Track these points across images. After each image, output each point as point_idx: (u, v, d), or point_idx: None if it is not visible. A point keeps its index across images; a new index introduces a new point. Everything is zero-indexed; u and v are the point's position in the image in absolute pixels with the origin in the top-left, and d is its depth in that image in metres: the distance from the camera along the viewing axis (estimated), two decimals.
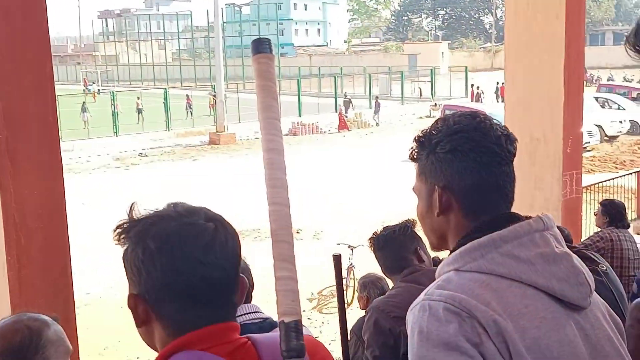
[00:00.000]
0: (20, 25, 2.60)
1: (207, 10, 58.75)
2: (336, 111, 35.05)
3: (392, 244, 2.95)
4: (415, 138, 1.60)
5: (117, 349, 9.41)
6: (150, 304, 1.28)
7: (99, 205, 17.88)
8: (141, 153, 27.44)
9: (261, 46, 1.38)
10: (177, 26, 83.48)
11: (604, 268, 3.17)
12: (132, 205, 1.32)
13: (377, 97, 36.99)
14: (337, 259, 2.88)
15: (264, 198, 1.32)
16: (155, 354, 1.33)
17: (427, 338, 1.36)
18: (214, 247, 1.27)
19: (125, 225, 1.30)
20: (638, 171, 13.12)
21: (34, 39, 2.64)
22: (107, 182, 21.54)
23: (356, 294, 5.88)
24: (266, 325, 1.63)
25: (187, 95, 40.78)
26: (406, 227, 2.96)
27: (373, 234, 3.11)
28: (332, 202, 18.48)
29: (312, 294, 10.73)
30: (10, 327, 1.77)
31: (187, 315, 1.27)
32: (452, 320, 1.35)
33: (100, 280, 11.94)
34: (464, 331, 1.34)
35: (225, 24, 40.66)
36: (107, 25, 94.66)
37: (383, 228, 3.09)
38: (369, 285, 4.80)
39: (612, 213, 5.85)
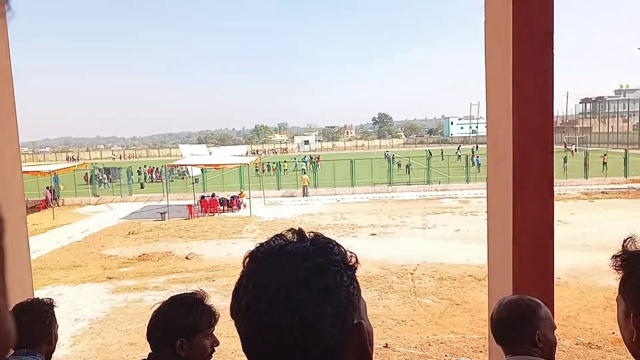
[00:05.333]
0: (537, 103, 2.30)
1: None
2: None
3: None
4: None
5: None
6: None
7: (571, 222, 15.95)
8: (603, 191, 23.61)
9: None
10: (639, 106, 69.30)
11: None
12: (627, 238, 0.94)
13: None
14: None
15: None
16: None
17: None
18: None
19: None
20: None
21: (542, 106, 2.29)
22: (572, 208, 18.99)
23: None
24: None
25: None
26: None
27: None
28: None
29: None
30: (515, 301, 1.52)
31: None
32: None
33: (561, 269, 10.40)
34: None
35: None
36: (585, 107, 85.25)
37: None
38: None
39: None
